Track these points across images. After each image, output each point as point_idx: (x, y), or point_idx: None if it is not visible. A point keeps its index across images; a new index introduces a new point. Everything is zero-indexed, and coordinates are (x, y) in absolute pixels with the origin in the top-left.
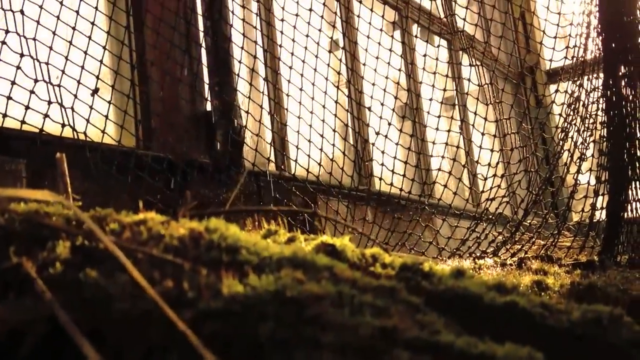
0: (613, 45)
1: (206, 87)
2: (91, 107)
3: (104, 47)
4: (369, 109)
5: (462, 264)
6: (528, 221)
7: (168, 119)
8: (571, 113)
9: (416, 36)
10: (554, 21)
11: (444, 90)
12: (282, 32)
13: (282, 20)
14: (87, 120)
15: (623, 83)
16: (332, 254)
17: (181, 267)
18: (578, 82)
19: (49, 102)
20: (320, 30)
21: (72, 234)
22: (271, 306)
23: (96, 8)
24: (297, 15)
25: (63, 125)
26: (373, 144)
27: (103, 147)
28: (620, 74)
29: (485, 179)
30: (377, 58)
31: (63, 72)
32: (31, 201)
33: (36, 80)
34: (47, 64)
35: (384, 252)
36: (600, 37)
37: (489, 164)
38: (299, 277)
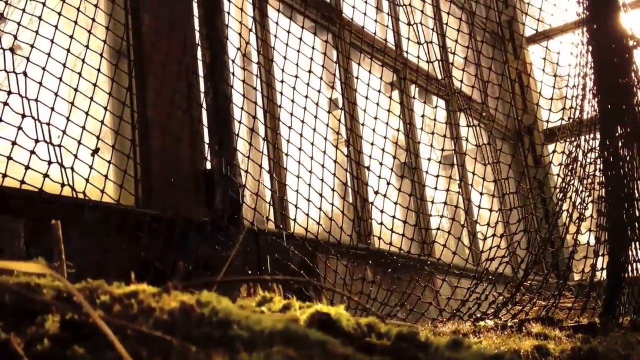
0: (609, 106)
1: (206, 146)
2: (91, 167)
3: (105, 108)
4: (368, 168)
5: (462, 326)
6: (529, 281)
7: (168, 177)
8: (569, 173)
9: (414, 97)
10: (550, 83)
11: (442, 149)
12: (281, 93)
13: (282, 81)
14: (87, 180)
15: (620, 144)
16: (327, 324)
17: (170, 343)
18: (575, 143)
19: (49, 162)
20: (319, 91)
21: (62, 308)
22: None
23: (98, 70)
24: (296, 76)
25: (62, 185)
26: (372, 203)
27: (102, 205)
28: (617, 134)
29: (485, 238)
30: (375, 118)
31: (64, 132)
32: (23, 273)
33: (37, 141)
34: (48, 124)
35: (380, 321)
36: (596, 99)
37: (488, 224)
38: (290, 354)
